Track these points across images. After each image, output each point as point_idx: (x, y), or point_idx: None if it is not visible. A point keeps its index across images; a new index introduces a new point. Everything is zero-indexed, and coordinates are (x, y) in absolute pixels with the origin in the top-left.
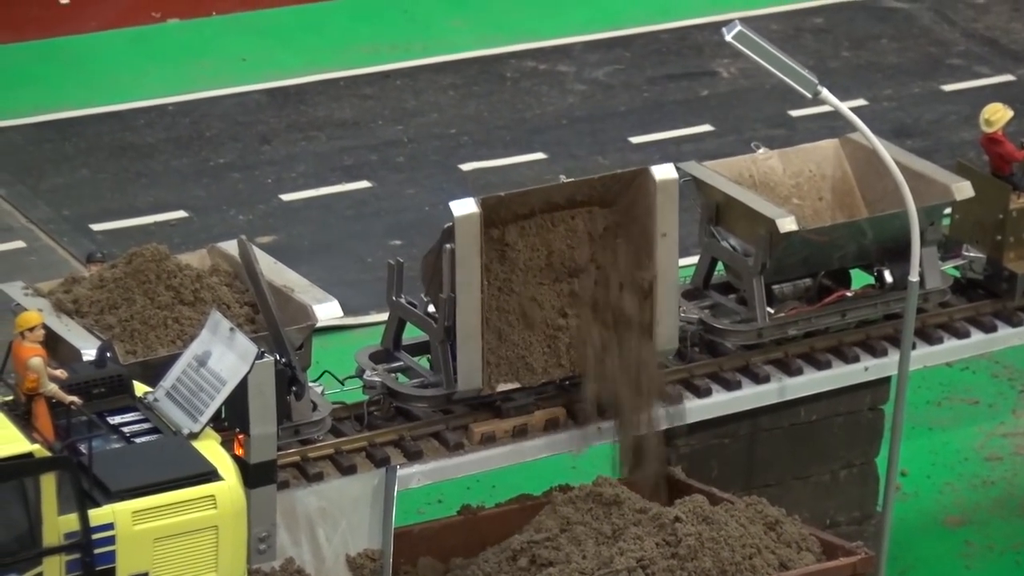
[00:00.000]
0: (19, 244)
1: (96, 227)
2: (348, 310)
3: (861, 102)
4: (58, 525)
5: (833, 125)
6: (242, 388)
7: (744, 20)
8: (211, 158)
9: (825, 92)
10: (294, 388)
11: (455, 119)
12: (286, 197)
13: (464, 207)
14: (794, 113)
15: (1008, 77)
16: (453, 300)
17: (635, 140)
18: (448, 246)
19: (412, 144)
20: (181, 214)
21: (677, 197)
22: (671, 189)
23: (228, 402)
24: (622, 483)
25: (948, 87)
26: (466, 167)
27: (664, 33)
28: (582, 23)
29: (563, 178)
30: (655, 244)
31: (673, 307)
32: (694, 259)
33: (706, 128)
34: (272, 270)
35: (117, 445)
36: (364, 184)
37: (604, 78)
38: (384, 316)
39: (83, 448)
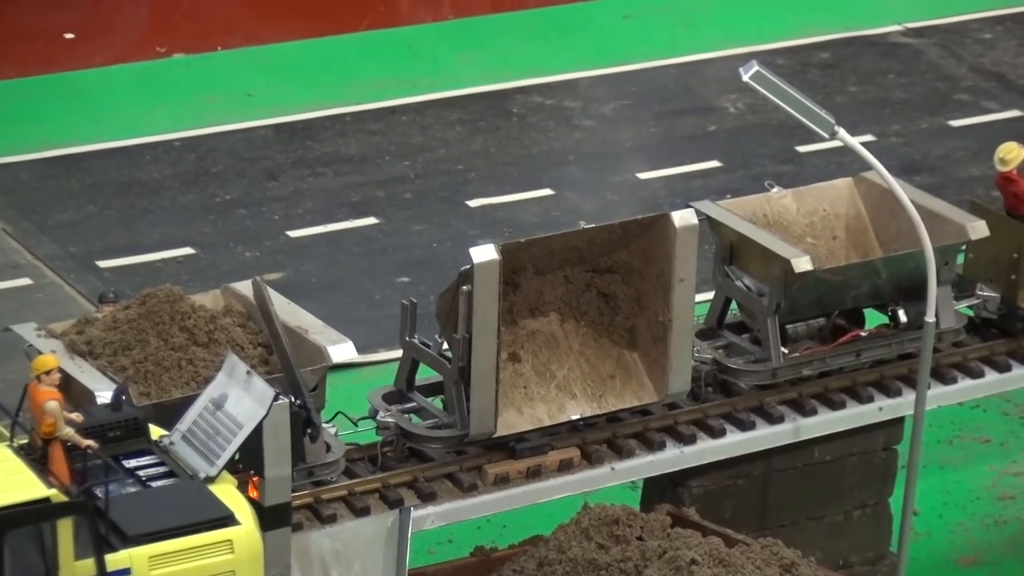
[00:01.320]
0: (26, 281)
1: (103, 264)
2: (357, 347)
3: (869, 138)
4: (75, 570)
5: (841, 160)
6: (257, 431)
7: (751, 55)
8: (218, 194)
9: (842, 132)
10: (309, 430)
11: (462, 155)
12: (293, 234)
13: (484, 254)
14: (802, 149)
15: (1016, 112)
16: (468, 340)
17: (642, 176)
18: (465, 288)
19: (419, 180)
20: (188, 251)
21: (697, 243)
22: (691, 235)
23: (243, 444)
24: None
25: (956, 122)
26: (473, 203)
27: (671, 68)
28: (589, 58)
29: (583, 224)
30: (672, 289)
31: (687, 350)
32: (708, 296)
33: (714, 164)
34: (286, 311)
35: (133, 489)
36: (371, 220)
37: (611, 113)
38: (394, 354)
39: (100, 492)
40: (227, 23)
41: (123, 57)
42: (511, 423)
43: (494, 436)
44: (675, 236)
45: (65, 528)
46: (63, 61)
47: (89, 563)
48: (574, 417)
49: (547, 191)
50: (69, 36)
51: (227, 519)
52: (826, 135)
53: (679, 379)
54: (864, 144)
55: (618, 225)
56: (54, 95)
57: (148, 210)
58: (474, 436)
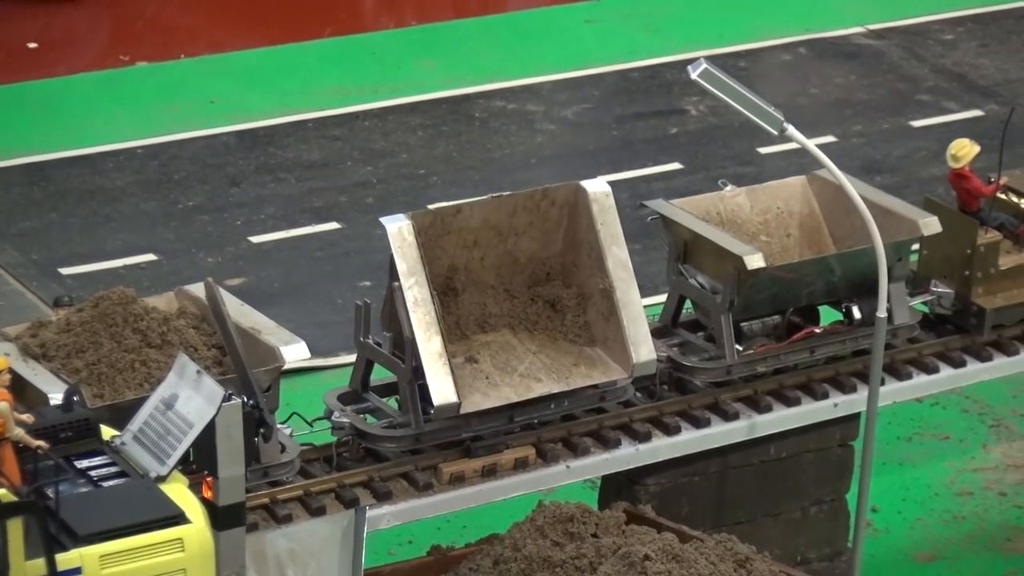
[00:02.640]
0: None
1: (65, 271)
2: (318, 352)
3: (830, 139)
4: (26, 570)
5: (802, 162)
6: (210, 431)
7: (712, 58)
8: (180, 200)
9: (791, 129)
10: (262, 430)
11: (424, 159)
12: (255, 239)
13: (395, 221)
14: (763, 150)
15: (977, 112)
16: (413, 339)
17: (604, 178)
18: (396, 284)
19: (381, 185)
20: (150, 257)
21: (614, 207)
22: (606, 199)
23: (196, 444)
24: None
25: (917, 123)
26: (435, 207)
27: (633, 72)
28: (551, 62)
29: (494, 196)
30: (605, 255)
31: (641, 320)
32: (662, 297)
33: (675, 166)
34: (239, 312)
35: (84, 489)
36: (333, 225)
37: (573, 117)
38: (351, 358)
39: (50, 492)
40: (190, 31)
41: (86, 66)
42: (478, 403)
43: (459, 413)
44: (591, 201)
45: (15, 528)
46: (26, 70)
47: (40, 563)
48: (542, 393)
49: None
50: (32, 46)
51: (177, 518)
52: (775, 132)
53: (642, 350)
54: (825, 145)
55: (526, 195)
56: (17, 104)
57: (110, 217)
58: (439, 413)
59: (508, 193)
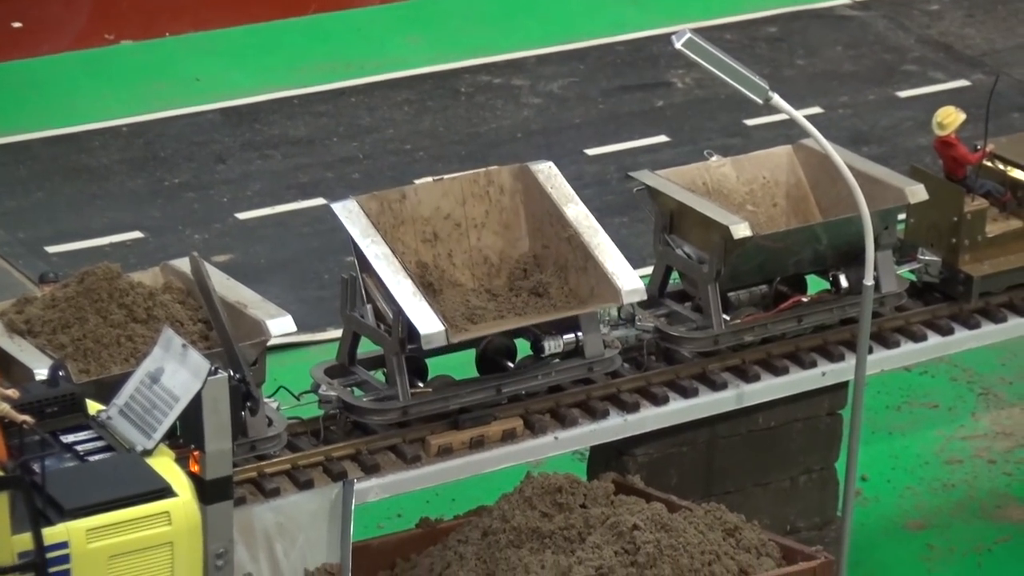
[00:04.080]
0: None
1: (52, 249)
2: (305, 327)
3: (817, 110)
4: (12, 545)
5: (789, 133)
6: (196, 405)
7: (698, 30)
8: (166, 178)
9: (776, 98)
10: (249, 404)
11: (410, 135)
12: (242, 216)
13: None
14: (750, 122)
15: (963, 82)
16: (399, 311)
17: (591, 152)
18: (354, 245)
19: (367, 160)
20: (137, 235)
21: (561, 176)
22: (555, 174)
23: (183, 419)
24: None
25: (903, 93)
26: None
27: (619, 45)
28: (536, 36)
29: (436, 179)
30: (563, 213)
31: (613, 253)
32: (649, 269)
33: (662, 139)
34: (225, 286)
35: (70, 464)
36: (320, 201)
37: (559, 91)
38: (339, 333)
39: (36, 467)
40: (174, 9)
41: (71, 45)
42: (469, 331)
43: (450, 343)
44: (536, 176)
45: (1, 503)
46: (10, 50)
47: (26, 537)
48: (535, 322)
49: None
50: (17, 25)
51: (164, 491)
52: (760, 101)
53: (626, 279)
54: (812, 116)
55: (469, 178)
56: (1, 83)
57: (96, 195)
58: (427, 343)
59: (449, 176)
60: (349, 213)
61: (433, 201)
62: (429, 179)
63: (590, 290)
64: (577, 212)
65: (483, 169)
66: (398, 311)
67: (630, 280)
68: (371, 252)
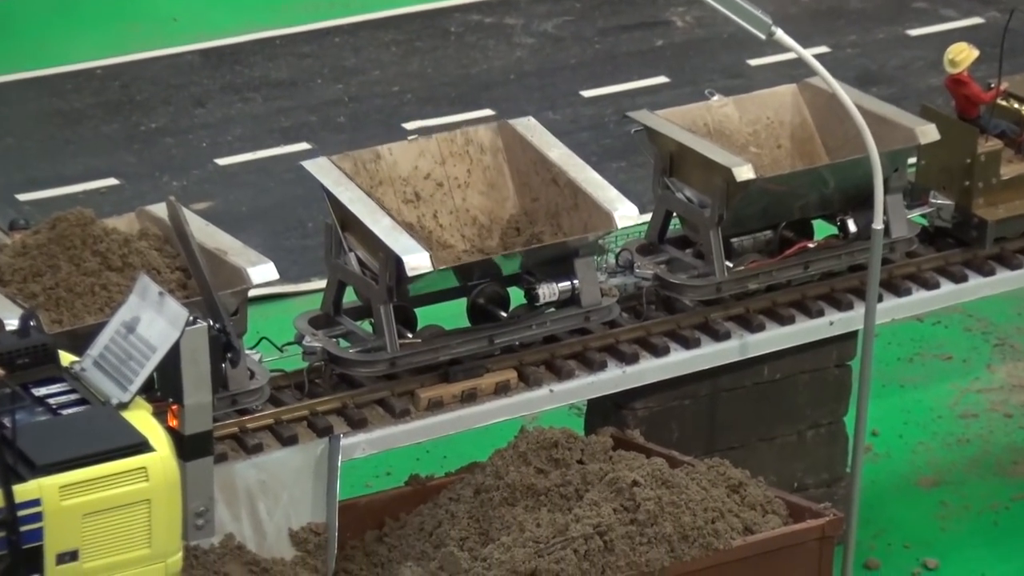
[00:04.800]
0: None
1: (23, 197)
2: (288, 277)
3: (824, 49)
4: None
5: (793, 74)
6: (174, 356)
7: None
8: (142, 123)
9: (780, 33)
10: (229, 355)
11: (398, 76)
12: (222, 161)
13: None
14: (752, 62)
15: (976, 20)
16: (395, 257)
17: (587, 94)
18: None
19: (353, 103)
20: (112, 182)
21: (542, 126)
22: (531, 122)
23: (160, 371)
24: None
25: (914, 32)
26: (410, 126)
27: None
28: None
29: (411, 138)
30: (546, 155)
31: (592, 177)
32: (647, 216)
33: (661, 80)
34: (204, 232)
35: (42, 417)
36: (303, 146)
37: (553, 30)
38: (324, 283)
39: (6, 421)
40: None
41: None
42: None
43: (437, 269)
44: (516, 129)
45: None
46: None
47: None
48: (528, 245)
49: (487, 111)
50: None
51: (141, 446)
52: (763, 36)
53: (617, 205)
54: (818, 56)
55: (446, 138)
56: None
57: (70, 141)
58: (413, 269)
59: (424, 137)
60: (320, 168)
61: (410, 161)
62: (406, 140)
63: (583, 226)
64: (561, 153)
65: (459, 129)
66: (382, 249)
67: (621, 204)
68: (346, 197)
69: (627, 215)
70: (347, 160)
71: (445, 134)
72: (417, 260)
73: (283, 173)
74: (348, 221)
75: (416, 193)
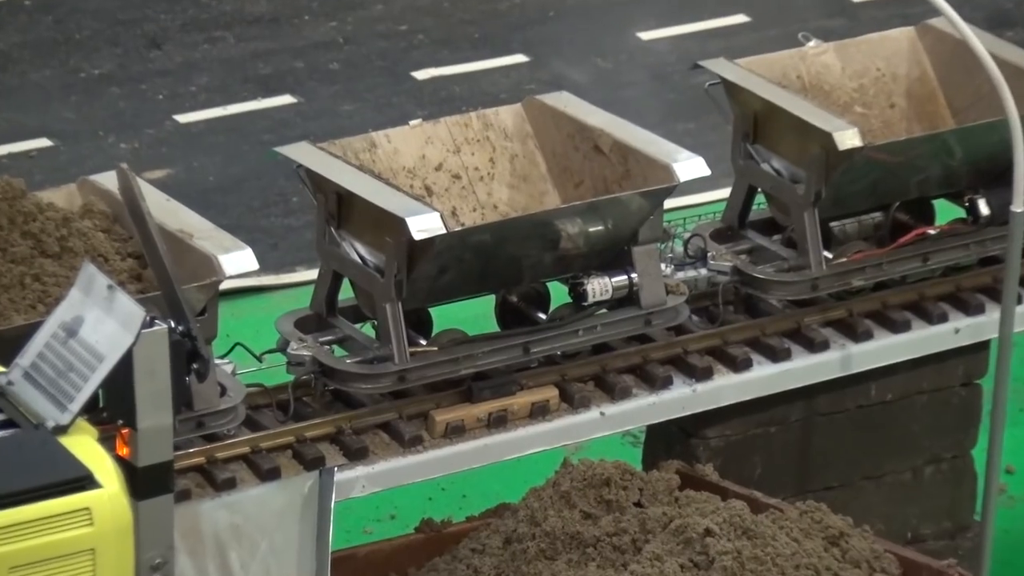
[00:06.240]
0: None
1: None
2: (269, 266)
3: None
4: None
5: (907, 13)
6: (126, 366)
7: None
8: (83, 68)
9: None
10: (195, 366)
11: (406, 12)
12: (183, 118)
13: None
14: None
15: None
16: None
17: (645, 36)
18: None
19: (349, 46)
20: (43, 143)
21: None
22: (564, 96)
23: (108, 385)
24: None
25: None
26: (421, 75)
27: None
28: None
29: (412, 123)
30: (585, 122)
31: (655, 138)
32: (725, 192)
33: (739, 19)
34: (164, 210)
35: None
36: (286, 99)
37: None
38: (314, 274)
39: None
40: None
41: None
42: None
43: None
44: (549, 105)
45: None
46: None
47: None
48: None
49: (520, 57)
50: None
51: (83, 481)
52: None
53: (679, 156)
54: None
55: (458, 123)
56: None
57: None
58: (419, 234)
59: (430, 122)
60: (300, 151)
61: (414, 150)
62: (407, 126)
63: (640, 180)
64: (602, 118)
65: (474, 112)
66: (387, 230)
67: (681, 155)
68: (336, 174)
69: (691, 168)
70: (335, 148)
71: (456, 117)
72: (424, 222)
73: (261, 133)
74: (341, 205)
75: (427, 187)
